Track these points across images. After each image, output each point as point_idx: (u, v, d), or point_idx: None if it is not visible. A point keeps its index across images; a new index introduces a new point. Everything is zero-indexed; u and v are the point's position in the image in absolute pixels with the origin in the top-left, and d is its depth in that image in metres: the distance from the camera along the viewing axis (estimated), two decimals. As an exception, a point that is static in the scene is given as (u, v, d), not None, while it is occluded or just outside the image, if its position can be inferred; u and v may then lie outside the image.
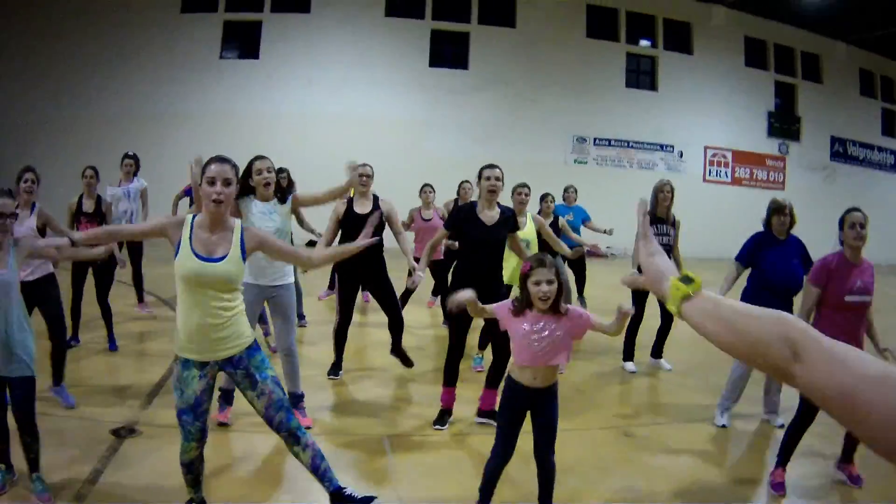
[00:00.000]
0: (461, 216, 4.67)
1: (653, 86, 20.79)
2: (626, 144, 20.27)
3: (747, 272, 5.07)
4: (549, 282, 3.01)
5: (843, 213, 4.05)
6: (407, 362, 5.68)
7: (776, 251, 4.83)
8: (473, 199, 8.17)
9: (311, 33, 18.72)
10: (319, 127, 18.25)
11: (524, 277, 3.06)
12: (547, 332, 3.05)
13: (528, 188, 6.10)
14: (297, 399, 4.49)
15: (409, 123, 18.95)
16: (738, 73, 21.31)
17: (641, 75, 20.80)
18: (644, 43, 20.86)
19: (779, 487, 3.90)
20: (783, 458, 3.97)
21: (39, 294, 4.50)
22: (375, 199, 5.52)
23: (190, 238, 2.89)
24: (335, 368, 5.71)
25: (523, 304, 3.10)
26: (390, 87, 19.01)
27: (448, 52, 19.80)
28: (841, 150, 22.58)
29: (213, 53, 18.52)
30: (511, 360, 3.24)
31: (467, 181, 8.37)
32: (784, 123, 21.76)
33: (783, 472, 3.95)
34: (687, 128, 20.66)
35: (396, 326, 5.59)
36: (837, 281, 3.95)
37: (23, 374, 3.28)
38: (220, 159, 2.90)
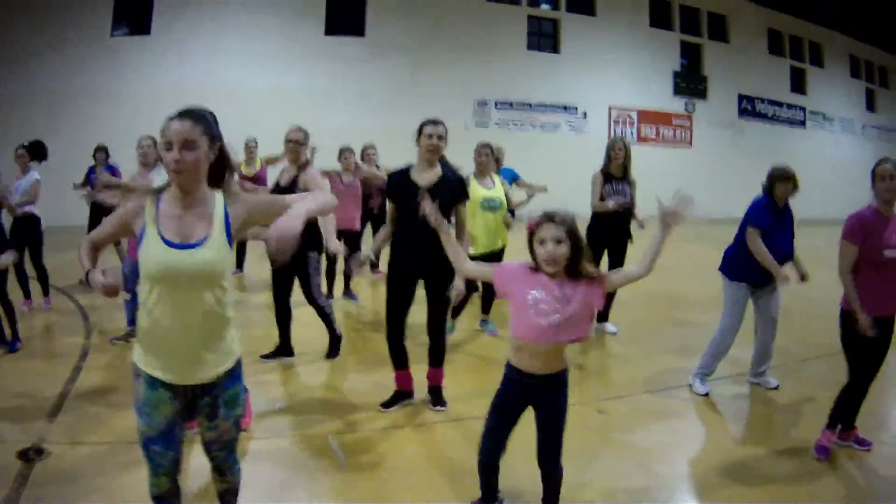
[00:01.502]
0: (392, 183, 4.21)
1: (555, 48, 20.82)
2: (528, 107, 20.30)
3: (729, 232, 4.91)
4: (558, 241, 2.51)
5: (874, 166, 3.66)
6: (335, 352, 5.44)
7: (778, 220, 4.62)
8: (379, 163, 8.39)
9: (204, 7, 18.50)
10: (217, 102, 17.60)
11: (530, 237, 2.61)
12: (559, 302, 2.54)
13: (490, 147, 5.92)
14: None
15: (307, 94, 18.76)
16: (642, 34, 21.39)
17: (543, 38, 20.82)
18: (545, 6, 20.88)
19: (822, 451, 3.74)
20: (835, 420, 3.77)
21: None
22: (302, 167, 5.05)
23: (157, 220, 2.18)
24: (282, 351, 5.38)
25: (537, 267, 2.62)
26: (287, 59, 18.82)
27: (344, 20, 19.69)
28: (749, 108, 22.76)
29: (104, 31, 18.24)
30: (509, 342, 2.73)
31: (371, 146, 8.49)
32: (690, 83, 21.89)
33: (831, 434, 3.77)
34: (590, 89, 20.72)
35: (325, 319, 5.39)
36: (875, 236, 3.58)
37: None
38: (181, 115, 2.16)
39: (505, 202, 5.86)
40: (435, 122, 4.15)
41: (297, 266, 5.04)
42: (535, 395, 2.66)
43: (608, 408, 4.52)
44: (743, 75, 22.47)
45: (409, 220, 3.93)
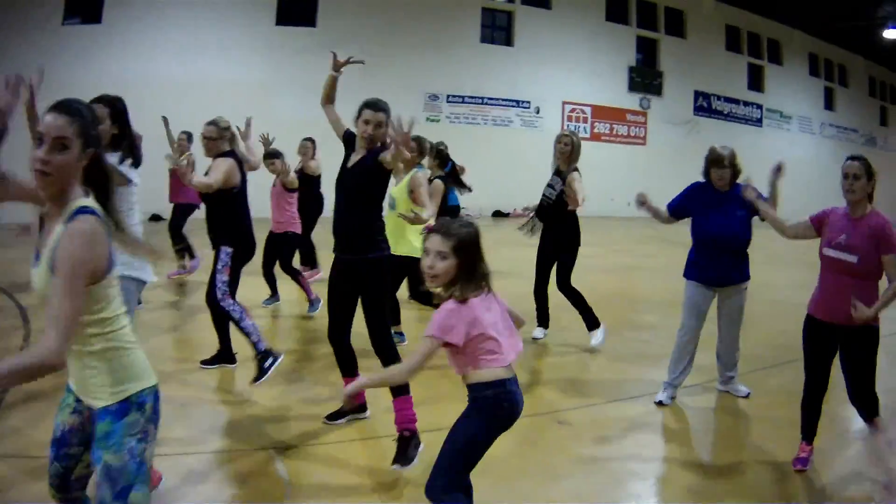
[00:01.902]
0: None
1: (508, 41, 20.52)
2: (480, 101, 20.00)
3: (683, 231, 4.65)
4: (442, 256, 2.30)
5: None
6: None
7: (715, 202, 4.33)
8: (313, 161, 7.95)
9: None
10: (163, 95, 17.54)
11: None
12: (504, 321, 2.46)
13: (416, 142, 5.30)
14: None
15: (256, 86, 18.34)
16: (598, 28, 21.15)
17: (497, 30, 20.52)
18: (500, -1, 20.59)
19: (800, 462, 3.55)
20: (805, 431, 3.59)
21: None
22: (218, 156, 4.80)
23: (40, 229, 1.95)
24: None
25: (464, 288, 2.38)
26: (237, 49, 18.41)
27: (295, 9, 19.28)
28: (705, 105, 22.64)
29: (55, 18, 17.74)
30: (493, 368, 2.39)
31: (308, 139, 8.18)
32: (646, 78, 21.70)
33: (805, 447, 3.58)
34: (544, 83, 20.45)
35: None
36: (827, 231, 3.47)
37: None
38: (57, 106, 1.89)
39: (401, 201, 5.27)
40: (375, 107, 3.60)
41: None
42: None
43: (569, 419, 4.21)
44: (699, 72, 22.32)
45: (336, 205, 3.74)
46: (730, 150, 4.37)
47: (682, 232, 4.89)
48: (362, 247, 3.64)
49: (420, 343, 2.33)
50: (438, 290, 2.36)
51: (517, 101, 20.36)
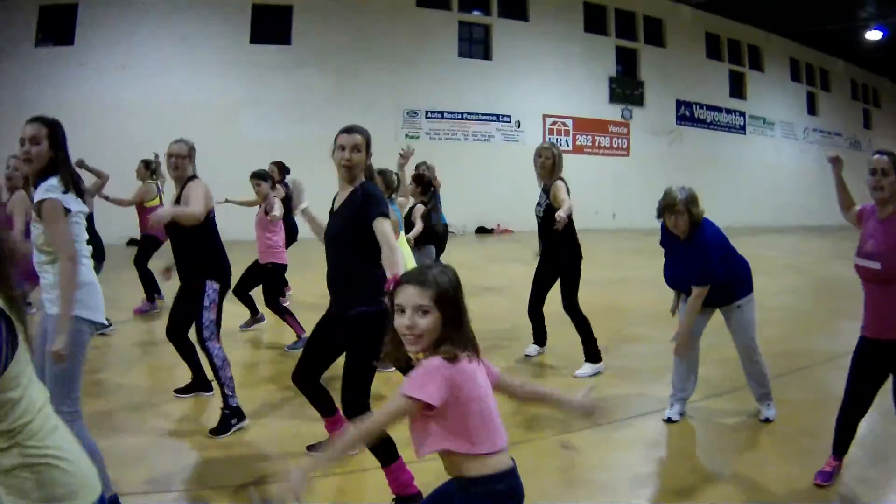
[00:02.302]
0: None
1: (486, 55, 20.27)
2: (459, 116, 19.70)
3: None
4: (423, 311, 1.88)
5: None
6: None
7: (676, 247, 4.02)
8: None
9: (128, 17, 17.66)
10: (137, 116, 17.24)
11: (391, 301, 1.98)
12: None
13: (381, 176, 5.02)
14: None
15: (228, 106, 18.05)
16: (577, 39, 20.93)
17: (475, 44, 20.26)
18: (477, 12, 20.30)
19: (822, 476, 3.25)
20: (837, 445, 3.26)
21: None
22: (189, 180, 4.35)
23: None
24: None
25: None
26: (209, 69, 18.10)
27: (269, 28, 18.98)
28: (687, 114, 22.43)
29: (28, 40, 17.38)
30: (473, 459, 1.91)
31: (274, 163, 7.71)
32: (626, 88, 21.47)
33: (833, 461, 3.27)
34: (524, 97, 20.19)
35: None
36: (860, 236, 3.20)
37: None
38: None
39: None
40: (350, 131, 3.28)
41: (189, 295, 4.24)
42: None
43: (573, 441, 3.94)
44: (681, 81, 22.13)
45: (327, 255, 3.36)
46: (688, 192, 3.85)
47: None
48: (360, 299, 3.17)
49: (391, 401, 1.91)
50: (420, 355, 1.93)
51: (497, 116, 20.07)
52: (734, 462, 3.68)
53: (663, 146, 21.77)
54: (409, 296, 1.89)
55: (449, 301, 1.90)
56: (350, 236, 3.22)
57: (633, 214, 18.24)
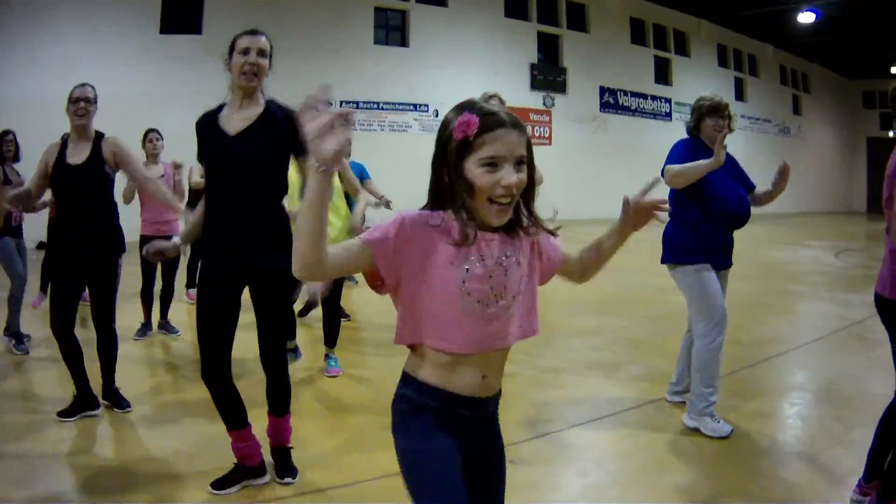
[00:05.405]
0: (198, 132, 2.96)
1: (404, 42, 19.79)
2: (375, 106, 19.20)
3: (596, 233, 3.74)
4: (519, 162, 1.45)
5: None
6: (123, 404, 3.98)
7: (727, 165, 3.53)
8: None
9: (36, 9, 16.86)
10: (47, 111, 16.29)
11: (461, 150, 1.46)
12: (507, 275, 1.53)
13: None
14: None
15: (140, 98, 17.20)
16: (497, 25, 20.51)
17: (391, 31, 19.75)
18: (393, -3, 19.82)
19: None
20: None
21: None
22: (98, 138, 4.02)
23: None
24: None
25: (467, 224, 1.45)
26: (120, 61, 17.27)
27: (180, 17, 18.27)
28: (612, 101, 22.22)
29: None
30: (420, 351, 1.57)
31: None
32: (548, 75, 21.14)
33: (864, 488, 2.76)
34: (442, 85, 19.72)
35: (109, 350, 3.96)
36: None
37: None
38: None
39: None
40: (253, 33, 2.91)
41: (93, 274, 3.77)
42: (466, 433, 1.66)
43: (523, 455, 3.21)
44: (604, 67, 21.87)
45: (218, 191, 2.81)
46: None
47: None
48: (284, 248, 2.67)
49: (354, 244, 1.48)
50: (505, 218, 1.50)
51: (415, 105, 19.63)
52: (720, 466, 3.22)
53: (587, 134, 21.54)
54: (511, 144, 1.45)
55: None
56: (269, 166, 2.77)
57: (555, 204, 17.96)
